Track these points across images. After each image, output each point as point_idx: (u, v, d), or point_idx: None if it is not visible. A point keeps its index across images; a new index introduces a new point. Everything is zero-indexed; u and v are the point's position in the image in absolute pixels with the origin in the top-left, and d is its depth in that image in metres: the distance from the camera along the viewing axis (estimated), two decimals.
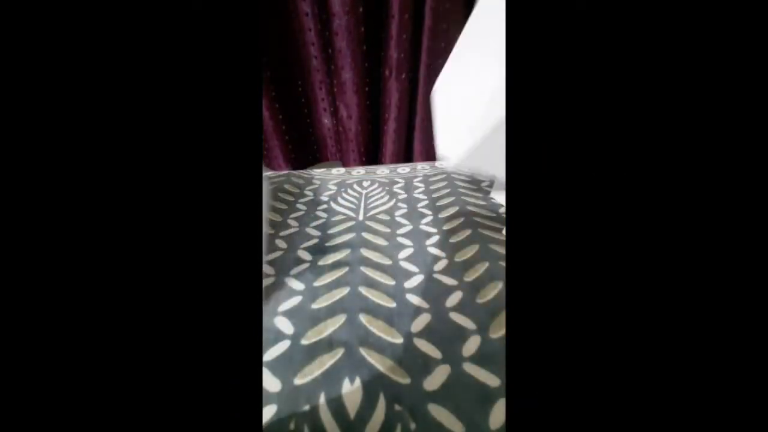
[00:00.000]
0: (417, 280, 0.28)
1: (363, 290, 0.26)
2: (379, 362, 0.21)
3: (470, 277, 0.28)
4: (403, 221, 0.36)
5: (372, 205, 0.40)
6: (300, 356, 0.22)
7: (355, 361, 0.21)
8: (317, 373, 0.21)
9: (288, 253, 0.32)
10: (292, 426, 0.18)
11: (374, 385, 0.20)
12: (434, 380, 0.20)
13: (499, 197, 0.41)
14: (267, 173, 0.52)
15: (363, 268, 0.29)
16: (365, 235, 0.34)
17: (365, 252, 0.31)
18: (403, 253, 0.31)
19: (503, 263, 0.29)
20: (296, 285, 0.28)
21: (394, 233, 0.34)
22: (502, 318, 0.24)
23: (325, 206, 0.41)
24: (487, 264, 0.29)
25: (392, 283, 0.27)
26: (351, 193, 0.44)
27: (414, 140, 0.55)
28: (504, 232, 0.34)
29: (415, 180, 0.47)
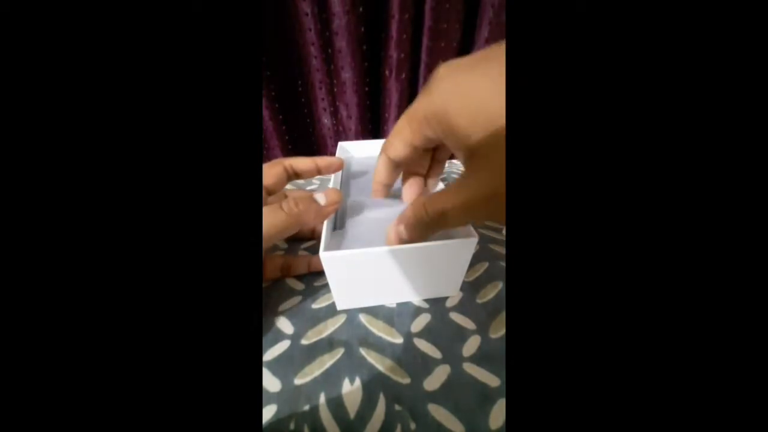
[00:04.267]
0: None
1: None
2: (379, 362, 0.21)
3: (470, 277, 0.28)
4: None
5: None
6: (300, 356, 0.22)
7: (355, 361, 0.21)
8: (317, 373, 0.21)
9: (288, 254, 0.32)
10: (292, 426, 0.18)
11: (374, 385, 0.20)
12: (434, 380, 0.20)
13: None
14: None
15: None
16: None
17: None
18: None
19: (503, 263, 0.29)
20: (296, 285, 0.28)
21: None
22: (502, 318, 0.24)
23: None
24: (487, 264, 0.29)
25: None
26: None
27: None
28: (504, 232, 0.34)
29: None
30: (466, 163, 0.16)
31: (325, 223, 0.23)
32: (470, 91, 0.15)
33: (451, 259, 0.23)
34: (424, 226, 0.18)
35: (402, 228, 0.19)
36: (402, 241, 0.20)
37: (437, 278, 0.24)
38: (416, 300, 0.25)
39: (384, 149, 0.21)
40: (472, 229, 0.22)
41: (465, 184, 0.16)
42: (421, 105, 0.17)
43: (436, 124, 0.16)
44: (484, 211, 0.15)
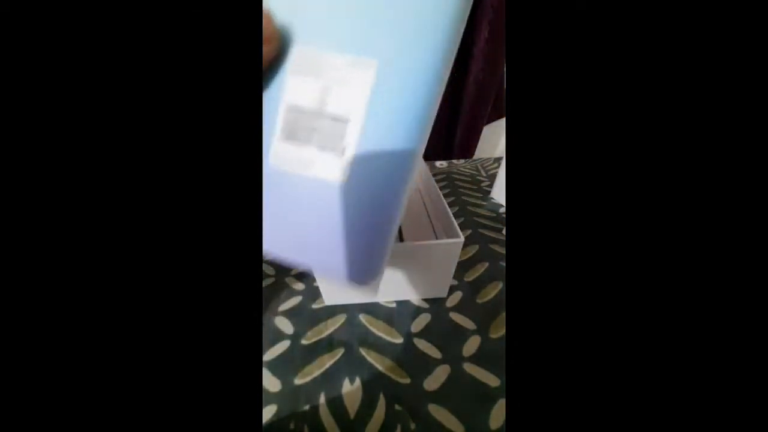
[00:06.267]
0: None
1: None
2: (379, 362, 0.21)
3: (470, 277, 0.28)
4: None
5: None
6: (300, 356, 0.22)
7: (355, 361, 0.21)
8: (317, 373, 0.21)
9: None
10: (292, 426, 0.18)
11: (374, 385, 0.20)
12: (434, 380, 0.20)
13: (499, 197, 0.41)
14: None
15: None
16: None
17: None
18: None
19: (503, 263, 0.29)
20: (296, 285, 0.28)
21: None
22: (502, 318, 0.24)
23: None
24: (487, 264, 0.29)
25: None
26: None
27: None
28: (504, 232, 0.34)
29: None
30: None
31: None
32: None
33: (436, 259, 0.23)
34: None
35: None
36: None
37: (424, 278, 0.24)
38: (404, 298, 0.26)
39: None
40: (458, 230, 0.22)
41: None
42: None
43: None
44: None
